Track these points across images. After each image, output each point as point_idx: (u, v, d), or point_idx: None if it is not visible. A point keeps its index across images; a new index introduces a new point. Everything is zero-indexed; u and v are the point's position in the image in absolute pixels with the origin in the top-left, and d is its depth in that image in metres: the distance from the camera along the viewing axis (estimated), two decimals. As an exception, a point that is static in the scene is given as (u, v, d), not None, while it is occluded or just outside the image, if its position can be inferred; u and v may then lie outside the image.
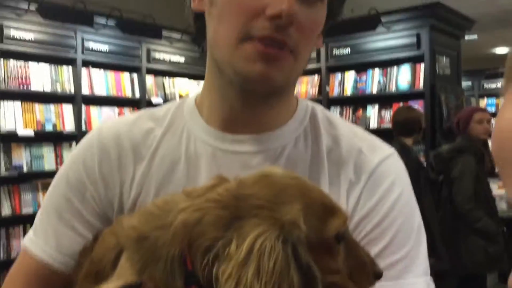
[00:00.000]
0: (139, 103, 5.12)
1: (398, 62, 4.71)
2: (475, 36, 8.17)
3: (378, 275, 0.63)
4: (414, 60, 4.62)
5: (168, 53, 5.40)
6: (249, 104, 0.75)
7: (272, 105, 0.78)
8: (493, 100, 8.77)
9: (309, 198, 0.60)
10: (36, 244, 0.79)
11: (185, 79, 5.62)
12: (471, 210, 3.16)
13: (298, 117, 0.81)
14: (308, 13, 0.70)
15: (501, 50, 10.96)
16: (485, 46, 10.32)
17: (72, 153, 0.85)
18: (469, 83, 8.60)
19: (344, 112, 5.15)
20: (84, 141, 0.84)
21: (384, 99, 4.88)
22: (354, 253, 0.63)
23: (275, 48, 0.69)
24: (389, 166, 0.77)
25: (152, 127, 0.82)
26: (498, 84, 8.71)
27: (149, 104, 5.20)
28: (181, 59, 5.52)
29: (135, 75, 5.13)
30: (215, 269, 0.55)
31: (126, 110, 5.07)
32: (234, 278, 0.53)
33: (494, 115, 8.66)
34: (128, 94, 5.06)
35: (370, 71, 4.91)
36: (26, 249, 0.80)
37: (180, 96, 5.53)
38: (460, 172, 3.27)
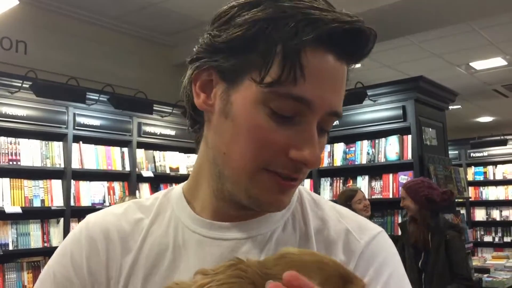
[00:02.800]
0: (129, 176, 5.10)
1: (386, 133, 4.80)
2: (459, 106, 8.40)
3: None
4: (401, 132, 4.72)
5: (158, 127, 5.47)
6: (243, 208, 0.76)
7: None
8: (480, 169, 8.86)
9: (326, 271, 0.59)
10: None
11: (176, 152, 5.64)
12: None
13: None
14: (320, 144, 0.71)
15: (485, 119, 11.25)
16: (469, 115, 10.60)
17: (59, 247, 0.83)
18: (456, 152, 8.73)
19: (334, 183, 5.17)
20: (71, 234, 0.82)
21: (373, 170, 4.92)
22: None
23: (290, 181, 0.70)
24: (378, 245, 0.77)
25: (140, 218, 0.81)
26: (484, 153, 8.84)
27: (140, 177, 5.19)
28: (172, 132, 5.57)
29: (125, 149, 5.15)
30: None
31: (116, 184, 5.04)
32: None
33: (482, 183, 8.79)
34: (119, 167, 5.05)
35: (358, 143, 4.99)
36: None
37: (171, 169, 5.53)
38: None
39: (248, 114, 0.67)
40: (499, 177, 8.67)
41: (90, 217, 0.83)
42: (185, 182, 0.85)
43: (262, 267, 0.60)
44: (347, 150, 5.07)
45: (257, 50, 0.65)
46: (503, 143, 8.56)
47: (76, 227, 0.83)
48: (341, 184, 5.12)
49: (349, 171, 5.10)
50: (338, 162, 5.11)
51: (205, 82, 0.72)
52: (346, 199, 4.03)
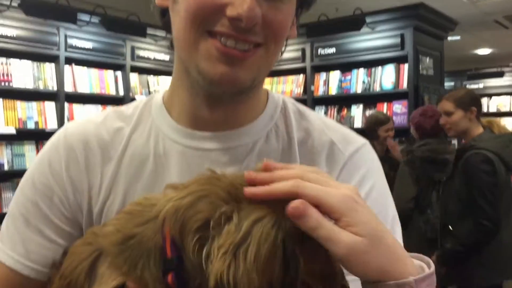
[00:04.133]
0: (123, 100, 5.07)
1: (382, 62, 4.74)
2: (458, 37, 8.26)
3: None
4: (398, 61, 4.66)
5: (152, 51, 5.37)
6: (217, 102, 0.74)
7: (241, 102, 0.76)
8: (475, 101, 8.89)
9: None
10: (3, 251, 0.76)
11: (170, 77, 5.57)
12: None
13: (269, 111, 0.80)
14: (274, 8, 0.67)
15: (483, 51, 11.09)
16: (467, 47, 10.44)
17: (38, 155, 0.81)
18: (452, 83, 8.70)
19: (329, 111, 5.17)
20: (49, 142, 0.81)
21: (368, 99, 4.91)
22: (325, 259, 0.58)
23: (238, 50, 0.67)
24: (361, 157, 0.77)
25: (120, 127, 0.80)
26: (480, 84, 8.83)
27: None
28: (166, 57, 5.49)
29: (119, 73, 5.09)
30: (207, 246, 0.53)
31: (110, 108, 5.02)
32: (230, 254, 0.51)
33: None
34: (112, 92, 5.01)
35: (354, 71, 4.94)
36: None
37: (165, 94, 5.50)
38: None
39: None
40: (492, 109, 8.71)
41: (68, 126, 0.82)
42: (165, 90, 0.84)
43: (236, 178, 0.58)
44: (343, 78, 5.03)
45: None
46: (500, 75, 8.54)
47: (53, 136, 0.82)
48: (335, 112, 5.13)
49: (344, 100, 5.08)
50: (333, 91, 5.08)
51: None
52: (377, 122, 3.78)
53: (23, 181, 0.79)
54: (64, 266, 0.68)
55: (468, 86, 8.88)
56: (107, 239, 0.62)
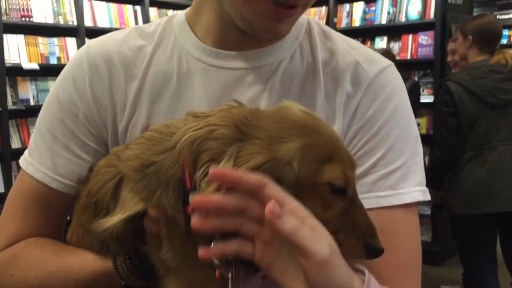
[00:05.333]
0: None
1: (409, -9, 4.56)
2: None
3: (372, 250, 0.58)
4: (425, -11, 4.47)
5: (171, -16, 5.25)
6: (247, 34, 0.74)
7: None
8: (505, 32, 8.54)
9: (312, 139, 0.57)
10: (32, 165, 0.78)
11: (190, 11, 5.49)
12: None
13: (294, 32, 0.79)
14: None
15: (516, -21, 10.51)
16: (500, -25, 9.90)
17: (61, 73, 0.82)
18: (481, 13, 8.35)
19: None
20: (72, 60, 0.81)
21: (393, 31, 4.77)
22: (352, 216, 0.59)
23: (288, 8, 0.67)
24: (386, 77, 0.76)
25: (142, 45, 0.80)
26: (510, 15, 8.45)
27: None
28: (185, -10, 5.36)
29: (138, 8, 5.01)
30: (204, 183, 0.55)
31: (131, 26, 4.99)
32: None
33: (507, 46, 8.52)
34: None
35: (379, 1, 4.77)
36: (22, 170, 0.79)
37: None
38: None
39: None
40: (523, 40, 8.38)
41: (90, 43, 0.82)
42: (188, 8, 0.83)
43: (251, 115, 0.59)
44: (367, 9, 4.87)
45: None
46: (533, 4, 8.13)
47: (76, 53, 0.82)
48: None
49: (368, 32, 4.94)
50: (356, 23, 4.94)
51: None
52: None
53: (48, 97, 0.81)
54: (91, 185, 0.71)
55: (498, 17, 8.51)
56: (127, 164, 0.64)
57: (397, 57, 4.72)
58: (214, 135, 0.57)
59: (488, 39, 2.75)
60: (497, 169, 2.62)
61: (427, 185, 0.74)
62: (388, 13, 4.73)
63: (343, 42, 0.80)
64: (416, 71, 4.62)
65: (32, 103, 4.26)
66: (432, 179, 2.69)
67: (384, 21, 4.77)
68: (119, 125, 0.77)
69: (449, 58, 3.18)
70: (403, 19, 4.64)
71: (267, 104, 0.73)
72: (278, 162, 0.55)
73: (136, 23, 5.00)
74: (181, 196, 0.58)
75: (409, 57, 4.65)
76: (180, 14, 0.82)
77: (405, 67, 4.73)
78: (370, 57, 0.78)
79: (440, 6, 4.38)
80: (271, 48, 0.77)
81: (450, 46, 3.16)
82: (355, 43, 0.81)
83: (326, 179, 0.57)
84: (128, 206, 0.62)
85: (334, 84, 0.75)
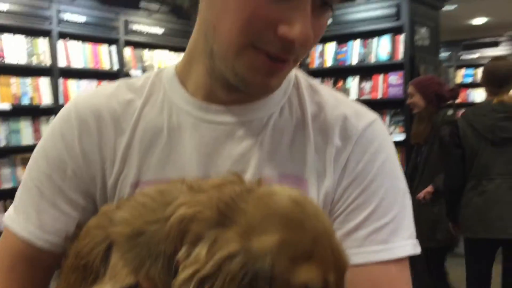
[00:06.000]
0: (118, 75, 5.04)
1: (378, 33, 4.72)
2: (454, 6, 8.19)
3: None
4: (393, 31, 4.63)
5: (146, 25, 5.31)
6: (237, 89, 0.73)
7: None
8: (470, 71, 8.86)
9: (293, 234, 0.53)
10: (17, 222, 0.76)
11: (165, 51, 5.54)
12: None
13: (283, 86, 0.79)
14: (318, 24, 0.67)
15: (478, 21, 11.01)
16: (463, 17, 10.35)
17: (49, 128, 0.80)
18: (447, 54, 8.66)
19: (324, 84, 5.16)
20: (60, 115, 0.80)
21: (364, 71, 4.90)
22: None
23: (280, 63, 0.67)
24: (374, 131, 0.77)
25: (132, 98, 0.79)
26: (476, 54, 8.79)
27: (128, 76, 5.13)
28: (160, 31, 5.43)
29: (113, 47, 5.04)
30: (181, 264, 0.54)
31: (105, 83, 4.99)
32: (192, 283, 0.51)
33: (472, 85, 8.83)
34: (106, 66, 4.98)
35: (350, 42, 4.92)
36: (7, 227, 0.77)
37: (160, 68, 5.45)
38: None
39: None
40: (488, 79, 8.70)
41: (78, 99, 0.81)
42: (178, 61, 0.83)
43: (240, 198, 0.56)
44: (339, 50, 5.00)
45: None
46: (495, 44, 8.50)
47: (63, 109, 0.81)
48: (331, 85, 5.12)
49: (339, 72, 5.07)
50: (328, 63, 5.06)
51: None
52: None
53: (36, 152, 0.79)
54: (81, 246, 0.69)
55: (463, 56, 8.85)
56: (118, 230, 0.63)
57: (369, 97, 4.85)
58: (199, 216, 0.55)
59: (496, 81, 2.97)
60: (494, 200, 2.85)
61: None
62: (359, 53, 4.87)
63: (330, 96, 0.81)
64: (387, 110, 4.74)
65: (2, 144, 4.18)
66: (447, 210, 3.07)
67: (355, 62, 4.91)
68: (108, 181, 0.76)
69: (409, 101, 3.50)
70: (373, 60, 4.79)
71: (258, 158, 0.74)
72: (251, 254, 0.51)
73: (111, 63, 5.01)
74: (172, 274, 0.55)
75: (380, 96, 4.77)
76: (170, 68, 0.83)
77: (376, 106, 4.85)
78: (358, 112, 0.79)
79: (409, 48, 4.54)
80: (261, 102, 0.77)
81: (410, 89, 3.45)
82: (341, 96, 0.82)
83: (301, 280, 0.52)
84: (119, 276, 0.60)
85: (324, 138, 0.76)
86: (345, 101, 0.81)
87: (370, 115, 0.79)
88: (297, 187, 0.70)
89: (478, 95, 8.79)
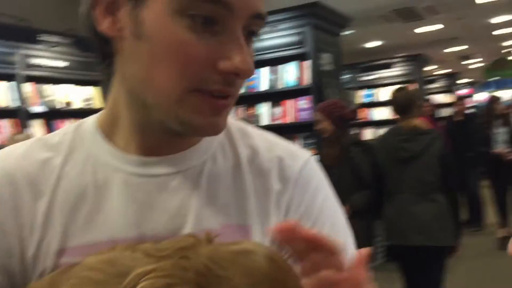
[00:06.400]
0: (17, 112, 4.75)
1: (286, 59, 4.87)
2: (350, 32, 8.71)
3: None
4: (300, 58, 4.81)
5: (48, 58, 5.07)
6: (172, 135, 0.70)
7: None
8: (369, 91, 9.43)
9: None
10: None
11: (69, 85, 5.31)
12: None
13: None
14: (250, 52, 0.65)
15: (373, 44, 11.82)
16: (359, 41, 11.06)
17: None
18: (348, 76, 9.15)
19: (236, 111, 5.21)
20: None
21: (274, 97, 5.03)
22: None
23: (223, 99, 0.64)
24: (310, 170, 0.78)
25: (48, 157, 0.71)
26: (373, 76, 9.38)
27: (30, 113, 4.85)
28: (63, 64, 5.21)
29: (12, 83, 4.75)
30: None
31: (5, 122, 4.68)
32: None
33: (371, 105, 9.39)
34: (6, 103, 4.67)
35: (260, 70, 5.03)
36: None
37: (64, 104, 5.22)
38: None
39: (164, 30, 0.60)
40: (385, 98, 9.29)
41: None
42: (97, 116, 0.76)
43: (214, 264, 0.51)
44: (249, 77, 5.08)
45: None
46: (389, 66, 9.15)
47: None
48: (243, 112, 5.18)
49: (251, 99, 5.15)
50: (240, 90, 5.11)
51: (109, 4, 0.64)
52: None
53: None
54: None
55: (362, 78, 9.40)
56: None
57: (280, 121, 4.97)
58: None
59: (402, 108, 3.41)
60: (403, 211, 3.25)
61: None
62: (269, 80, 4.99)
63: (262, 138, 0.80)
64: (299, 133, 4.88)
65: None
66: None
67: (265, 88, 5.02)
68: (27, 251, 0.66)
69: (318, 127, 3.61)
70: (282, 85, 4.93)
71: (196, 209, 0.69)
72: None
73: (11, 99, 4.71)
74: None
75: (291, 120, 4.91)
76: (90, 121, 0.76)
77: (288, 130, 4.99)
78: (292, 152, 0.79)
79: (314, 73, 4.73)
80: (193, 149, 0.73)
81: (318, 116, 3.58)
82: (272, 137, 0.82)
83: None
84: None
85: (262, 182, 0.74)
86: (278, 142, 0.80)
87: (304, 154, 0.80)
88: (242, 236, 0.69)
89: (378, 114, 9.35)
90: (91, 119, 0.77)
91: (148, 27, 0.61)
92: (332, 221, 0.75)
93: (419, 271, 3.32)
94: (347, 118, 3.56)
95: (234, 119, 0.82)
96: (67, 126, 0.77)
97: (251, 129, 0.81)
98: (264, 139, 0.80)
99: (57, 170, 0.70)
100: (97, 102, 5.42)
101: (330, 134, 3.52)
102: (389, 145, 3.33)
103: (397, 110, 3.44)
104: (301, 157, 0.79)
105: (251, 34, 0.65)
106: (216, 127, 0.67)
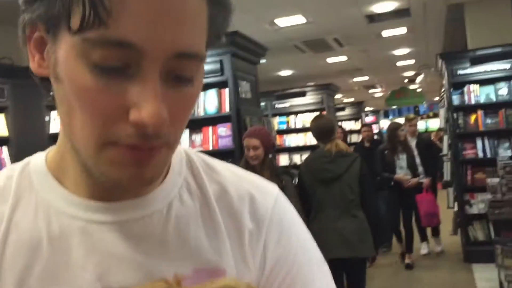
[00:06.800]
0: None
1: (205, 87, 4.87)
2: (264, 61, 8.96)
3: None
4: (219, 86, 4.84)
5: None
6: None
7: None
8: (284, 118, 9.70)
9: None
10: None
11: (-30, 112, 4.93)
12: None
13: (175, 167, 0.70)
14: (180, 97, 0.56)
15: (285, 73, 12.22)
16: (272, 69, 11.39)
17: None
18: (263, 104, 9.35)
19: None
20: None
21: (193, 124, 5.00)
22: None
23: (144, 151, 0.55)
24: (281, 207, 0.75)
25: None
26: (287, 103, 9.67)
27: None
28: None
29: None
30: None
31: None
32: None
33: (286, 131, 9.65)
34: None
35: (178, 97, 4.99)
36: None
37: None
38: None
39: (71, 74, 0.53)
40: (299, 125, 9.59)
41: None
42: (45, 154, 0.68)
43: None
44: (167, 104, 5.03)
45: None
46: (302, 94, 9.48)
47: None
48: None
49: (169, 126, 5.08)
50: (157, 117, 5.04)
51: (38, 39, 0.57)
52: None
53: None
54: None
55: (277, 105, 9.65)
56: None
57: (200, 148, 4.94)
58: None
59: (323, 134, 3.77)
60: (325, 227, 3.53)
61: None
62: (188, 107, 4.97)
63: (228, 172, 0.74)
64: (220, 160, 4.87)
65: None
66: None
67: (184, 115, 4.97)
68: None
69: (253, 153, 3.53)
70: (202, 113, 4.92)
71: (165, 255, 0.63)
72: None
73: None
74: None
75: (211, 148, 4.89)
76: (37, 162, 0.67)
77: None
78: (261, 188, 0.75)
79: (234, 101, 4.78)
80: (157, 191, 0.66)
81: (256, 142, 3.59)
82: (239, 171, 0.76)
83: None
84: None
85: (234, 221, 0.69)
86: (245, 176, 0.76)
87: (273, 189, 0.76)
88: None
89: (293, 140, 9.62)
90: (39, 159, 0.68)
91: (61, 69, 0.54)
92: (307, 258, 0.73)
93: (340, 282, 3.60)
94: (274, 145, 3.68)
95: (193, 150, 0.77)
96: (9, 168, 0.68)
97: (214, 162, 0.75)
98: (230, 173, 0.74)
99: (6, 219, 0.62)
100: (3, 129, 5.07)
101: (260, 161, 3.53)
102: (315, 166, 3.65)
103: (319, 135, 3.78)
104: (271, 193, 0.75)
105: (180, 77, 0.55)
106: (140, 180, 0.57)
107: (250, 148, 3.54)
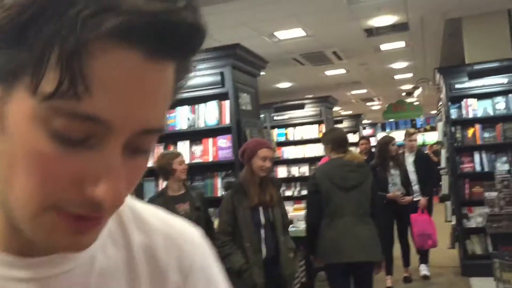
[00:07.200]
0: None
1: (205, 99, 4.91)
2: (263, 73, 9.02)
3: None
4: (219, 97, 4.88)
5: None
6: None
7: None
8: (282, 130, 9.73)
9: None
10: None
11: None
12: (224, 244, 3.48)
13: None
14: (137, 166, 0.53)
15: (283, 85, 12.28)
16: (271, 81, 11.45)
17: None
18: (262, 116, 9.38)
19: (155, 149, 5.14)
20: None
21: (193, 135, 5.03)
22: None
23: (92, 220, 0.52)
24: (200, 249, 0.73)
25: None
26: (286, 116, 9.70)
27: None
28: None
29: None
30: None
31: None
32: None
33: (284, 144, 9.66)
34: None
35: (178, 108, 5.02)
36: None
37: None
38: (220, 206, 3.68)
39: (24, 135, 0.48)
40: (297, 137, 9.61)
41: None
42: None
43: None
44: (168, 116, 5.04)
45: (28, 46, 0.45)
46: (301, 107, 9.52)
47: None
48: (162, 150, 5.11)
49: (169, 137, 5.11)
50: (158, 128, 5.06)
51: None
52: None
53: None
54: None
55: (275, 118, 9.68)
56: None
57: (200, 160, 4.96)
58: None
59: (340, 144, 4.05)
60: (343, 233, 3.79)
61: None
62: (188, 119, 5.00)
63: (154, 219, 0.71)
64: (218, 172, 4.89)
65: None
66: (308, 244, 4.05)
67: (184, 127, 5.01)
68: None
69: (268, 165, 3.70)
70: (202, 125, 4.95)
71: None
72: None
73: None
74: None
75: (211, 159, 4.91)
76: None
77: (208, 168, 5.00)
78: (188, 235, 0.73)
79: (234, 112, 4.81)
80: None
81: (270, 153, 3.70)
82: (167, 217, 0.74)
83: None
84: None
85: (159, 274, 0.67)
86: (172, 224, 0.73)
87: (197, 236, 0.75)
88: None
89: (290, 152, 9.64)
90: None
91: (10, 125, 0.48)
92: None
93: (348, 285, 3.87)
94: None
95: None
96: None
97: (142, 208, 0.72)
98: (158, 220, 0.71)
99: None
100: None
101: (269, 173, 3.66)
102: (335, 174, 3.88)
103: (336, 145, 4.03)
104: (198, 242, 0.74)
105: (139, 149, 0.52)
106: (77, 246, 0.55)
107: (267, 159, 3.52)
